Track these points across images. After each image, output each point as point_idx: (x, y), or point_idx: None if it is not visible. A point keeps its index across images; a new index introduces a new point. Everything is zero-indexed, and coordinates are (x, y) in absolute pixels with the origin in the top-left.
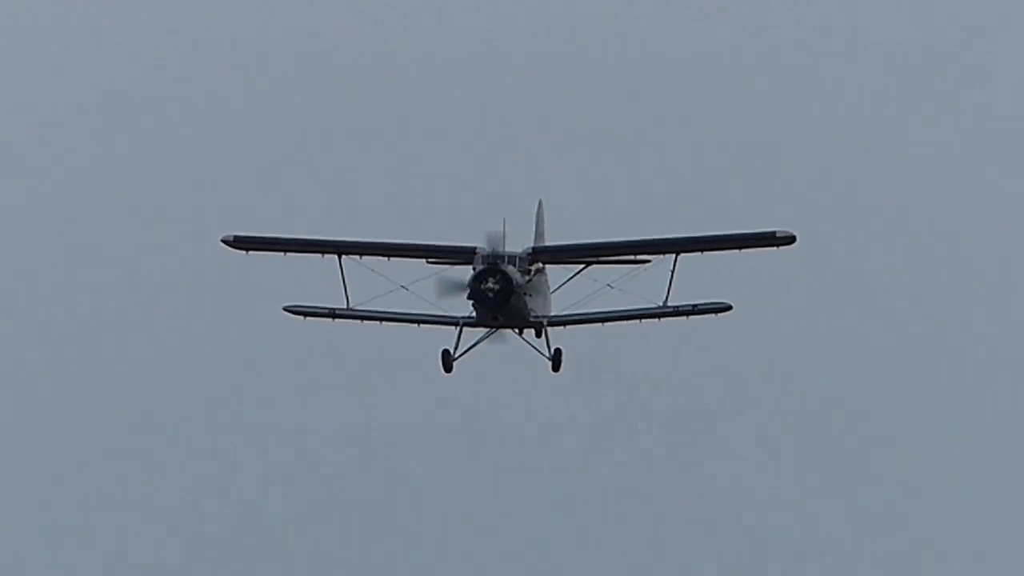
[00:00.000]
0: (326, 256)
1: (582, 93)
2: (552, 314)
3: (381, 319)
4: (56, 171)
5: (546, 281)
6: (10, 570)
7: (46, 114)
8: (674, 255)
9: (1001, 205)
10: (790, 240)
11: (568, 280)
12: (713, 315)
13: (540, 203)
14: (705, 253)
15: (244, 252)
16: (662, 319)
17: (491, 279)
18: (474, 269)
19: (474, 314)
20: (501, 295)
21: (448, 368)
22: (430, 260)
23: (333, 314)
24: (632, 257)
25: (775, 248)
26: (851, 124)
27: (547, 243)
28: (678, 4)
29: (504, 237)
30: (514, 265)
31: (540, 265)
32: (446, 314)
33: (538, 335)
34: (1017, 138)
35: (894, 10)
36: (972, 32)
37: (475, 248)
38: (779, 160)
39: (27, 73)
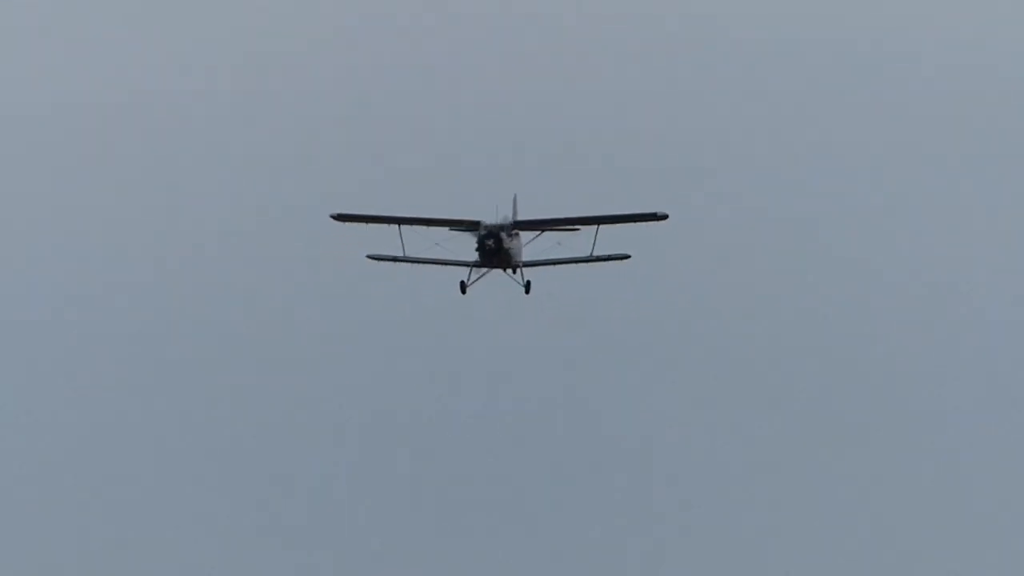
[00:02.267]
0: (390, 226)
1: (546, 111)
2: (524, 260)
3: (424, 262)
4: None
5: (520, 240)
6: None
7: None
8: (596, 226)
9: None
10: (665, 217)
11: (532, 240)
12: (619, 261)
13: (515, 196)
14: (616, 225)
15: (343, 223)
16: (590, 263)
17: (489, 241)
18: (480, 233)
19: (479, 259)
20: (495, 249)
21: (463, 291)
22: (452, 228)
23: (395, 259)
24: (572, 228)
25: (657, 222)
26: (717, 125)
27: (521, 219)
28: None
29: (515, 210)
30: (504, 231)
31: (517, 232)
32: (463, 259)
33: (514, 272)
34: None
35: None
36: (814, 26)
37: (479, 221)
38: (662, 158)
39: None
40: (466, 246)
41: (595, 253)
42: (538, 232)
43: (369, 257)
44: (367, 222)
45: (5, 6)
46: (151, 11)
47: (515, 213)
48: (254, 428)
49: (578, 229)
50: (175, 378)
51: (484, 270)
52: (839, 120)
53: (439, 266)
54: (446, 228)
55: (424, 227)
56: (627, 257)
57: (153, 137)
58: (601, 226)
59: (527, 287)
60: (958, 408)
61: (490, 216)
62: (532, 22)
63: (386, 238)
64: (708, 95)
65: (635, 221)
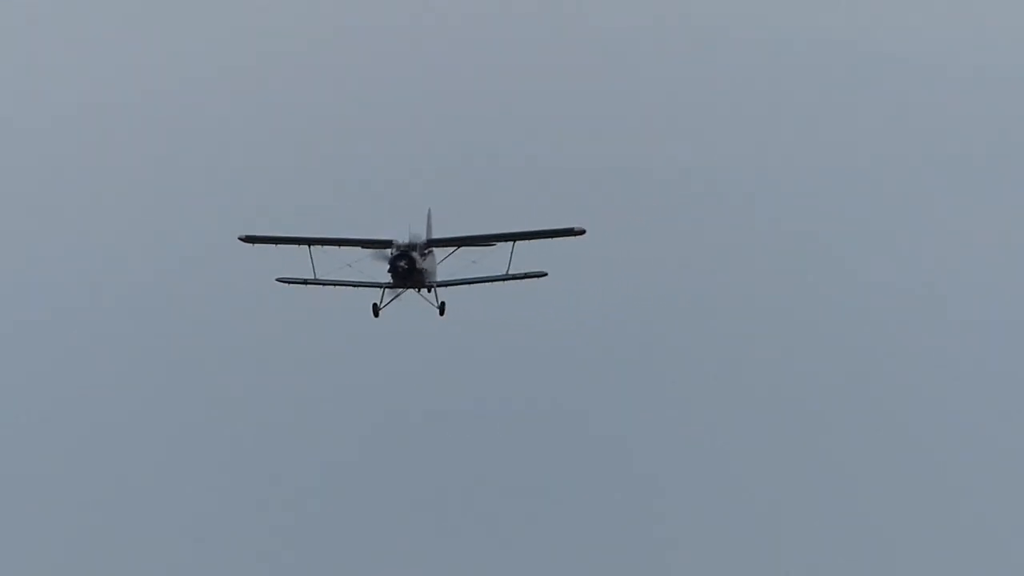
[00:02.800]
0: (301, 246)
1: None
2: (439, 279)
3: (335, 284)
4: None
5: (434, 259)
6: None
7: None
8: (512, 242)
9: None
10: (582, 232)
11: (446, 258)
12: (536, 279)
13: (429, 211)
14: (532, 241)
15: (251, 244)
16: (506, 281)
17: (401, 262)
18: (392, 253)
19: (392, 280)
20: (408, 270)
21: (376, 314)
22: (364, 248)
23: (306, 281)
24: (487, 244)
25: (573, 237)
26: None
27: (435, 235)
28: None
29: (429, 226)
30: (416, 251)
31: (431, 249)
32: (375, 280)
33: (429, 291)
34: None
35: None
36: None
37: (391, 240)
38: (577, 174)
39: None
40: (379, 266)
41: (511, 271)
42: (454, 248)
43: (279, 280)
44: (276, 243)
45: None
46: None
47: (429, 230)
48: (157, 456)
49: (494, 245)
50: (76, 405)
51: (397, 291)
52: (755, 128)
53: (351, 288)
54: (358, 248)
55: (335, 248)
56: (544, 275)
57: (63, 156)
58: (517, 242)
59: (441, 308)
60: (919, 419)
61: (402, 235)
62: (444, 34)
63: (297, 260)
64: (623, 106)
65: (552, 237)
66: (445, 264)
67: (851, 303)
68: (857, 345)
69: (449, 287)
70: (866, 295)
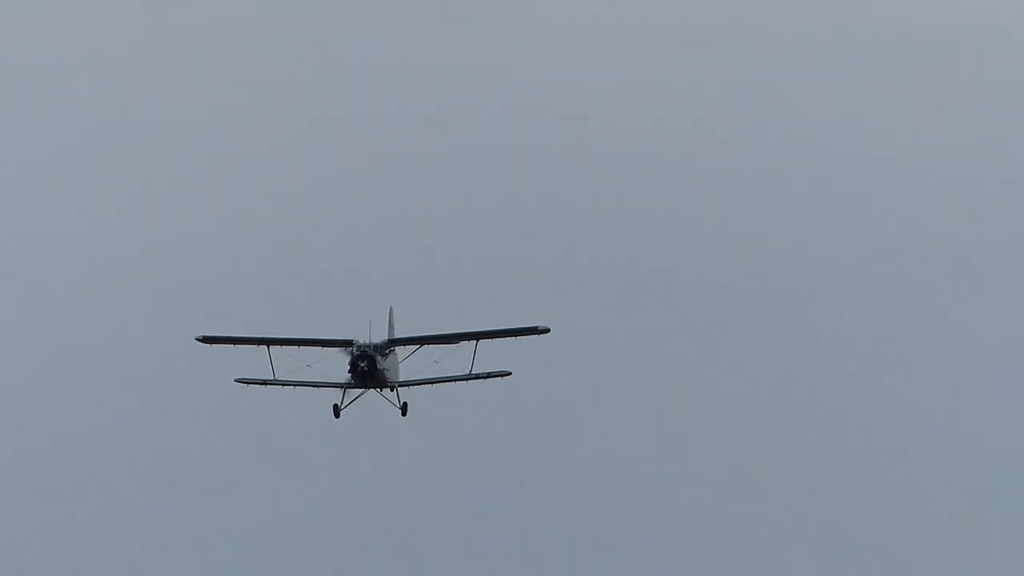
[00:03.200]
0: (259, 347)
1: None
2: (401, 379)
3: (295, 384)
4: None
5: (396, 358)
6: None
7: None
8: (475, 341)
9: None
10: (546, 331)
11: (408, 356)
12: (500, 378)
13: (391, 309)
14: (494, 339)
15: (209, 345)
16: (469, 381)
17: (362, 362)
18: (353, 353)
19: (352, 381)
20: (368, 371)
21: (337, 415)
22: (325, 346)
23: (265, 382)
24: (450, 342)
25: (537, 335)
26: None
27: (396, 334)
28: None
29: (391, 324)
30: (378, 351)
31: (392, 349)
32: (336, 381)
33: (391, 390)
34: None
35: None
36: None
37: (352, 340)
38: (541, 274)
39: None
40: (339, 366)
41: (474, 370)
42: (416, 347)
43: (238, 380)
44: (235, 343)
45: None
46: None
47: (391, 327)
48: (112, 561)
49: (457, 344)
50: (28, 515)
51: (358, 391)
52: (717, 222)
53: (311, 388)
54: (318, 348)
55: (294, 348)
56: (508, 374)
57: (12, 258)
58: (481, 341)
59: (403, 409)
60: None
61: (363, 334)
62: (404, 128)
63: (255, 360)
64: (585, 202)
65: (516, 335)
66: (407, 364)
67: (822, 398)
68: (830, 431)
69: (411, 387)
70: (842, 386)
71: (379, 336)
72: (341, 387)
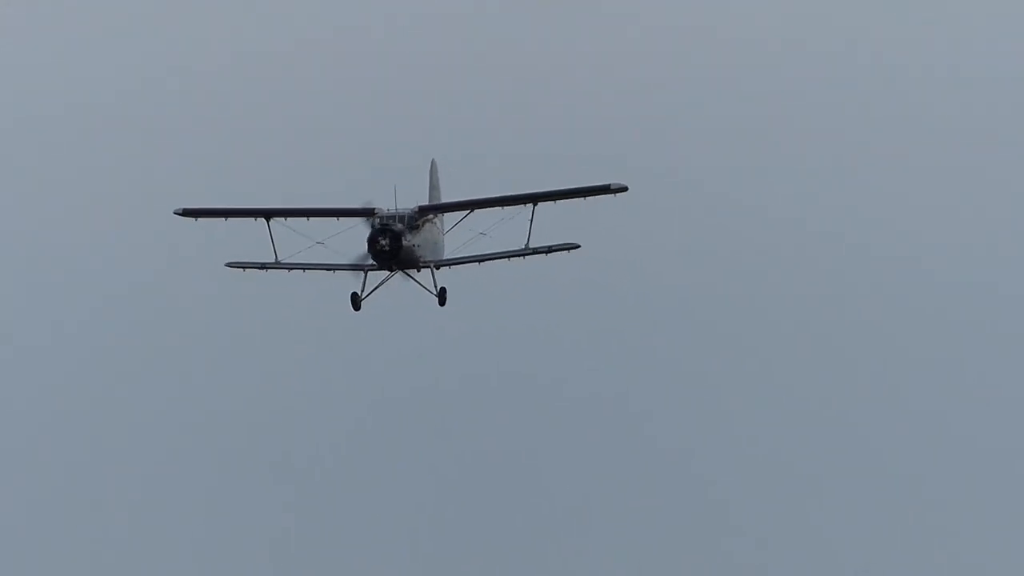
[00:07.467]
0: (257, 220)
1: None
2: (445, 255)
3: (303, 268)
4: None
5: (438, 230)
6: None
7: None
8: (533, 204)
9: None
10: (623, 189)
11: (454, 226)
12: (566, 252)
13: (433, 162)
14: (557, 201)
15: (193, 219)
16: (526, 257)
17: (383, 239)
18: (373, 227)
19: (373, 261)
20: (391, 250)
21: (356, 307)
22: (340, 218)
23: (263, 266)
24: (505, 205)
25: (612, 195)
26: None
27: (442, 196)
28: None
29: (433, 181)
30: (403, 223)
31: (430, 217)
32: (354, 262)
33: (428, 272)
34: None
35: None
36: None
37: (373, 209)
38: (613, 124)
39: None
40: (361, 243)
41: (533, 243)
42: (465, 213)
43: (229, 265)
44: (225, 217)
45: None
46: None
47: (434, 186)
48: (105, 460)
49: (512, 207)
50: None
51: (383, 275)
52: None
53: (323, 273)
54: (332, 220)
55: (301, 220)
56: (576, 247)
57: None
58: (540, 205)
59: (441, 296)
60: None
61: (388, 200)
62: None
63: (252, 237)
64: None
65: (584, 196)
66: (450, 236)
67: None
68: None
69: (452, 267)
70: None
71: (415, 199)
72: (361, 270)
